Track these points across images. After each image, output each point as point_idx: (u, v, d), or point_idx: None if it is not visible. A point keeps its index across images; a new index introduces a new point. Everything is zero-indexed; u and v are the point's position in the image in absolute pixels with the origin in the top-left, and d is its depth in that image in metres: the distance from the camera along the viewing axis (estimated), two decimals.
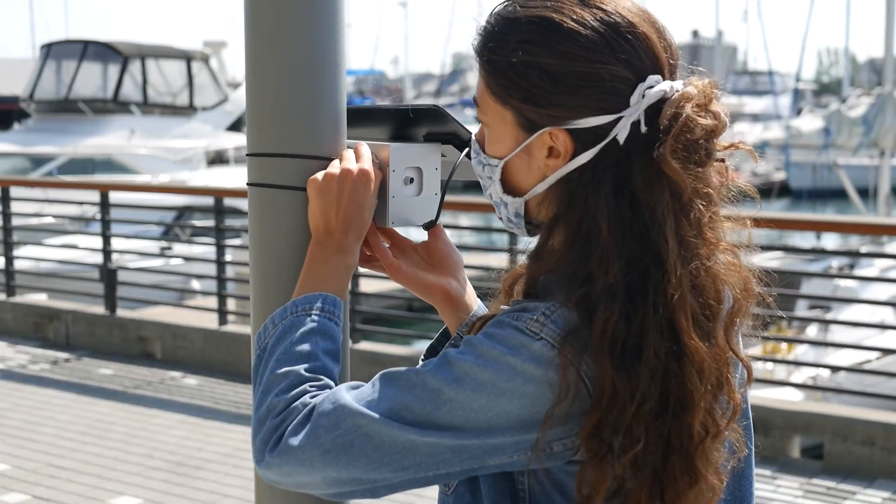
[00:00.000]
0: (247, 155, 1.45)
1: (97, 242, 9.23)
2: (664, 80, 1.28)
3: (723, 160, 1.31)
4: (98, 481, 5.33)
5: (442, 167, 1.51)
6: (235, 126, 19.29)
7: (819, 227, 8.78)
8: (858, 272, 10.65)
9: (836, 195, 23.58)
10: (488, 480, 1.33)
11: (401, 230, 1.54)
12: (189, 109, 18.47)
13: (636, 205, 1.25)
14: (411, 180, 1.48)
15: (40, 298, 9.36)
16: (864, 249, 11.40)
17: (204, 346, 7.79)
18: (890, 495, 5.11)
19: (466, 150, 1.47)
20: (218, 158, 18.47)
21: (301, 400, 1.28)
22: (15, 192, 9.92)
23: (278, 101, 1.40)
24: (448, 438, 1.24)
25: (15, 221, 9.76)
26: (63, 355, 8.09)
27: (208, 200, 8.79)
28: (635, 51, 1.27)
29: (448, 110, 1.46)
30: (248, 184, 1.45)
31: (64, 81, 17.77)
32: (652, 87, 1.26)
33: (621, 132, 1.25)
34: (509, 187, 1.36)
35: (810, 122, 22.00)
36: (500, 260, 10.81)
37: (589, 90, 1.26)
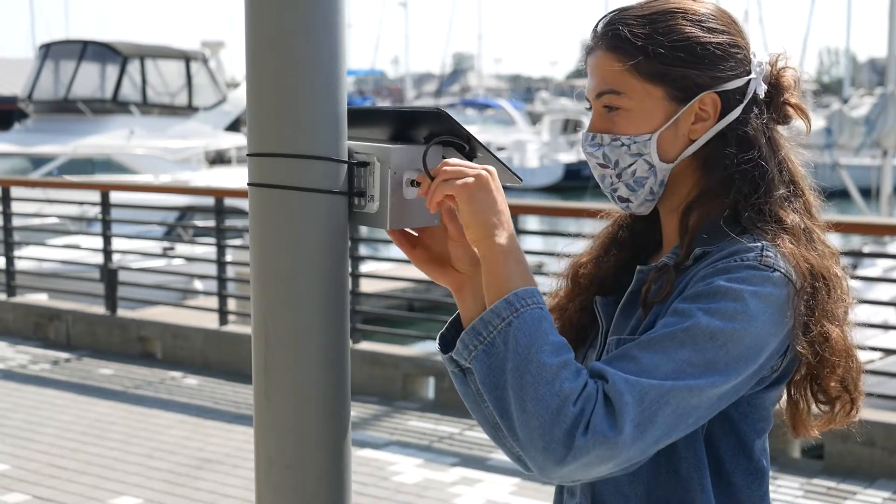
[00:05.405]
0: (247, 155, 1.45)
1: (98, 243, 9.22)
2: None
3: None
4: (98, 481, 5.32)
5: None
6: (234, 126, 19.30)
7: None
8: (861, 272, 10.62)
9: (838, 195, 23.49)
10: None
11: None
12: (188, 109, 18.47)
13: (753, 144, 1.52)
14: (412, 182, 1.47)
15: (41, 298, 9.36)
16: (866, 249, 11.37)
17: (204, 346, 7.78)
18: (890, 495, 5.10)
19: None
20: (219, 158, 18.46)
21: (590, 385, 1.33)
22: (15, 192, 9.92)
23: (278, 101, 1.40)
24: (730, 378, 1.37)
25: (15, 221, 9.75)
26: (63, 355, 8.09)
27: (209, 200, 8.79)
28: (741, 31, 1.56)
29: (448, 111, 1.45)
30: (248, 184, 1.44)
31: (63, 81, 17.75)
32: (760, 60, 1.55)
33: (759, 88, 1.54)
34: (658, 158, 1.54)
35: (812, 122, 21.91)
36: None
37: (735, 55, 1.52)
